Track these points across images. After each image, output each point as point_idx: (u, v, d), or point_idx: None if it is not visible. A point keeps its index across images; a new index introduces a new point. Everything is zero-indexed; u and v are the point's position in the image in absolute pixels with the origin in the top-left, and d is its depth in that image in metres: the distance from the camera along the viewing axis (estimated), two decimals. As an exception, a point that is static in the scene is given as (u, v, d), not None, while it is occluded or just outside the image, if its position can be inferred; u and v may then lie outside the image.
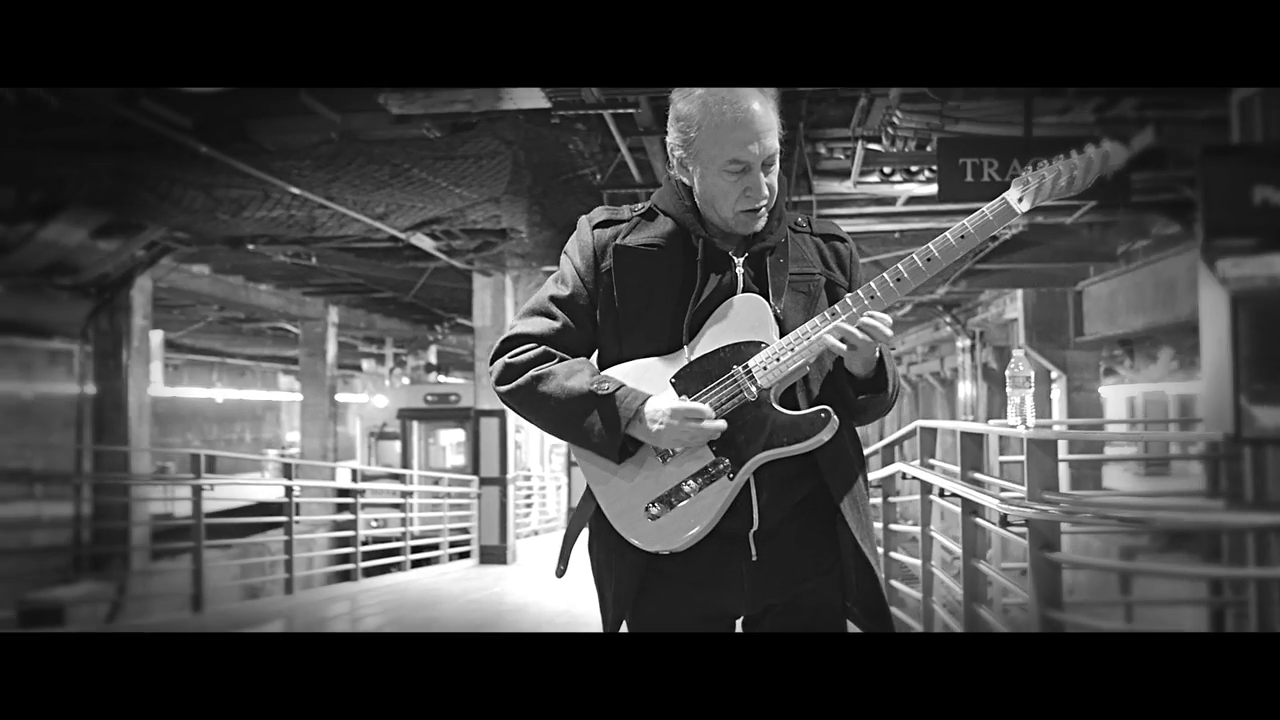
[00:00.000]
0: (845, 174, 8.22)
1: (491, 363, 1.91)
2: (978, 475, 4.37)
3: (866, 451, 1.99)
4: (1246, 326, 4.27)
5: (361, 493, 10.63)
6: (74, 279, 9.92)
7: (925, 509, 5.09)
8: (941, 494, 4.71)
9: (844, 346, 1.77)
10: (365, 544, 10.44)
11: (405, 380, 19.61)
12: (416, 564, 11.64)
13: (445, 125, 6.74)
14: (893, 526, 6.03)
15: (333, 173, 7.61)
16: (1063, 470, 10.82)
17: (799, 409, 1.83)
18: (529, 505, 16.35)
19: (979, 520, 4.24)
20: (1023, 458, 3.55)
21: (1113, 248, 10.61)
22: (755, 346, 1.83)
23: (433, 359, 20.62)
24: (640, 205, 1.98)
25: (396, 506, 12.12)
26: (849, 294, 1.83)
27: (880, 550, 6.03)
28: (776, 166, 1.87)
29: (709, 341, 1.84)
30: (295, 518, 9.02)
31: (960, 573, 4.34)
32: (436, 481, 13.57)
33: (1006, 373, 3.76)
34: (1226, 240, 4.36)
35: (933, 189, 7.62)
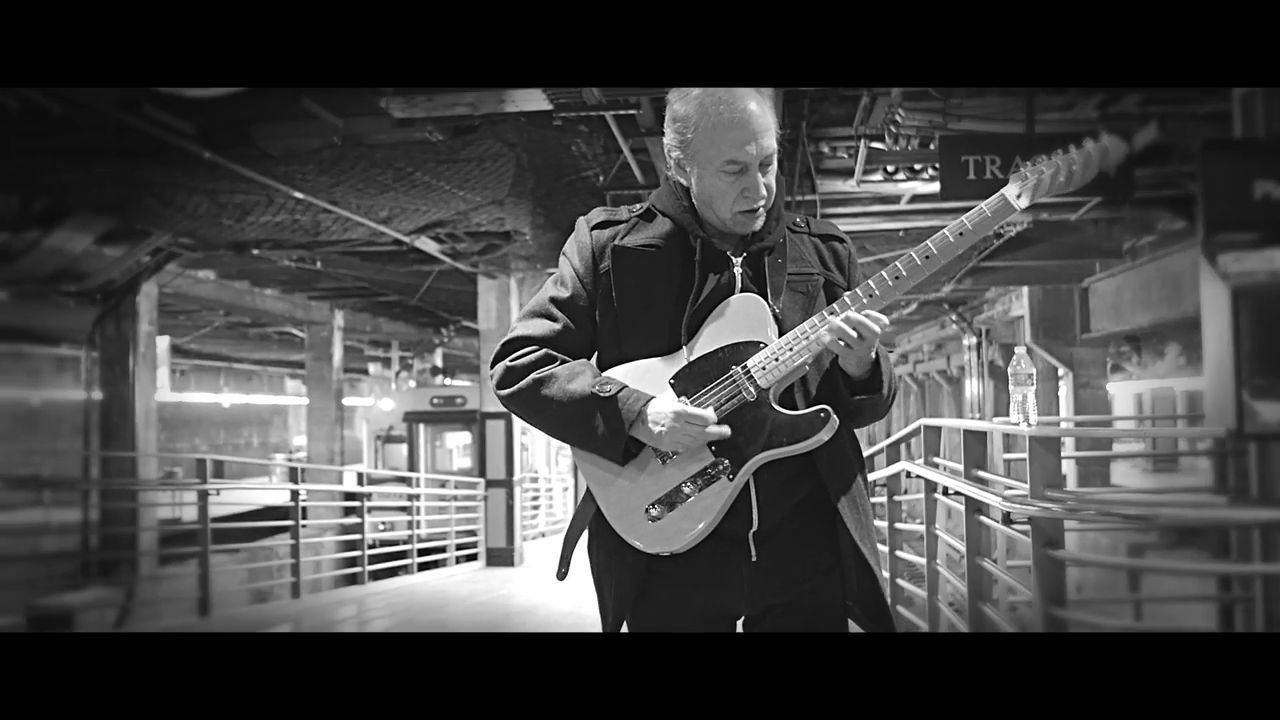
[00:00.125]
0: (849, 173, 8.20)
1: (492, 366, 1.91)
2: (981, 473, 4.36)
3: (872, 450, 2.00)
4: (1248, 322, 4.25)
5: (368, 496, 10.65)
6: (80, 285, 9.94)
7: (930, 507, 5.08)
8: (945, 492, 4.70)
9: (841, 344, 1.77)
10: (372, 547, 10.45)
11: (411, 383, 19.62)
12: (423, 567, 11.66)
13: (448, 128, 6.74)
14: (898, 525, 6.02)
15: (336, 177, 7.62)
16: (1070, 467, 10.78)
17: (797, 409, 1.82)
18: (536, 507, 16.36)
19: (983, 518, 4.23)
20: (1026, 455, 3.54)
21: (1118, 244, 10.57)
22: (754, 346, 1.82)
23: (439, 362, 20.64)
24: (638, 206, 1.98)
25: (403, 509, 12.12)
26: (847, 293, 1.83)
27: (885, 549, 6.04)
28: (774, 166, 1.87)
29: (708, 342, 1.84)
30: (302, 522, 9.03)
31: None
32: (443, 484, 13.59)
33: (1009, 370, 3.76)
34: (1227, 235, 4.34)
35: (936, 187, 7.60)
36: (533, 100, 6.12)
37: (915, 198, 8.66)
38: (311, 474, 12.29)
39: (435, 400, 17.11)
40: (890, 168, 8.06)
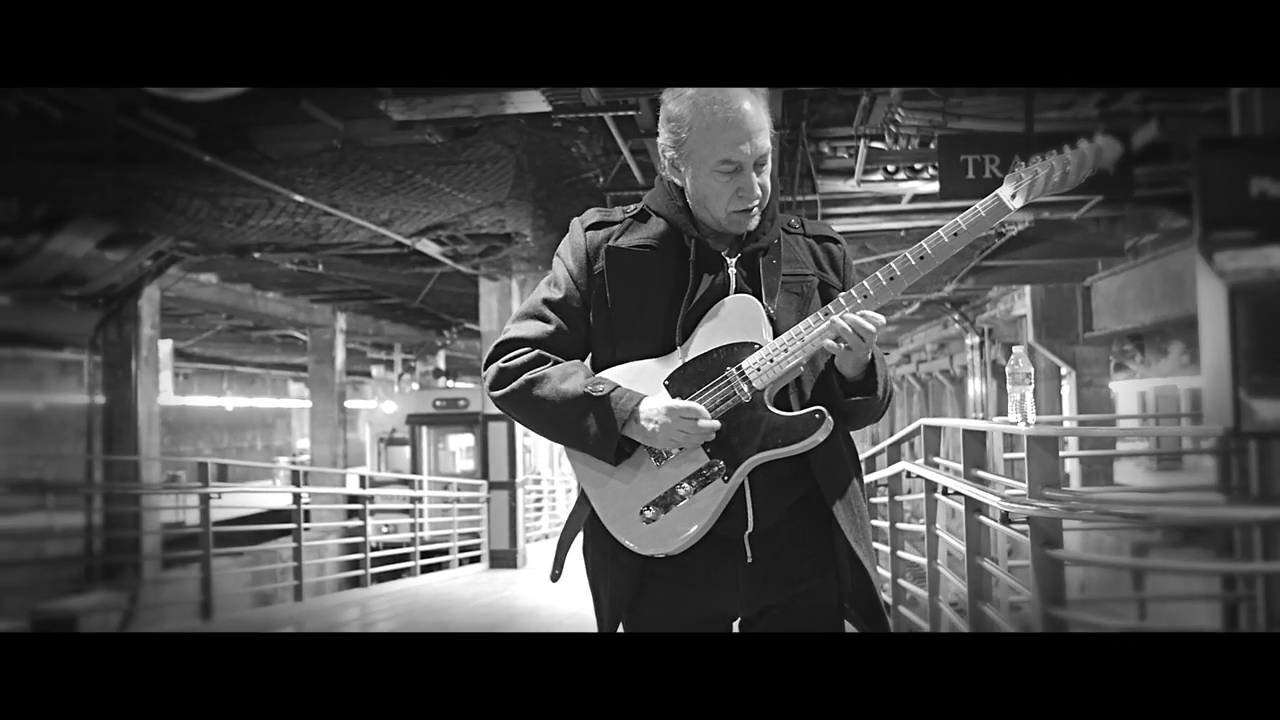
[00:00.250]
0: (849, 173, 8.20)
1: (485, 368, 1.91)
2: (981, 473, 4.36)
3: (874, 449, 2.00)
4: (1245, 319, 4.24)
5: (371, 499, 10.66)
6: (82, 290, 9.96)
7: (930, 507, 5.08)
8: (945, 492, 4.70)
9: (838, 345, 1.77)
10: (375, 550, 10.46)
11: (414, 386, 19.62)
12: (426, 569, 11.66)
13: (447, 131, 6.75)
14: (900, 525, 6.01)
15: (336, 180, 7.62)
16: (1074, 466, 10.75)
17: (792, 411, 1.82)
18: (539, 509, 16.36)
19: (983, 518, 4.23)
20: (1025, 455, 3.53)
21: (1120, 242, 10.56)
22: (748, 348, 1.82)
23: (441, 364, 20.64)
24: (633, 207, 1.98)
25: (406, 512, 12.13)
26: (842, 294, 1.83)
27: (888, 549, 6.03)
28: (769, 166, 1.86)
29: (702, 342, 1.84)
30: (305, 524, 9.04)
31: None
32: (446, 486, 13.60)
33: (1006, 369, 3.75)
34: (1224, 233, 4.33)
35: (936, 186, 7.60)
36: (532, 102, 6.12)
37: (916, 197, 8.66)
38: (314, 477, 12.30)
39: (438, 403, 17.12)
40: (891, 167, 8.06)
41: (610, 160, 7.96)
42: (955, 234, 1.82)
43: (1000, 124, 6.61)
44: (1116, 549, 8.32)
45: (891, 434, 7.06)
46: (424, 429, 17.12)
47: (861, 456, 2.08)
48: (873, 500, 6.80)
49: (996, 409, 15.59)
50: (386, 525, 12.85)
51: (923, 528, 5.15)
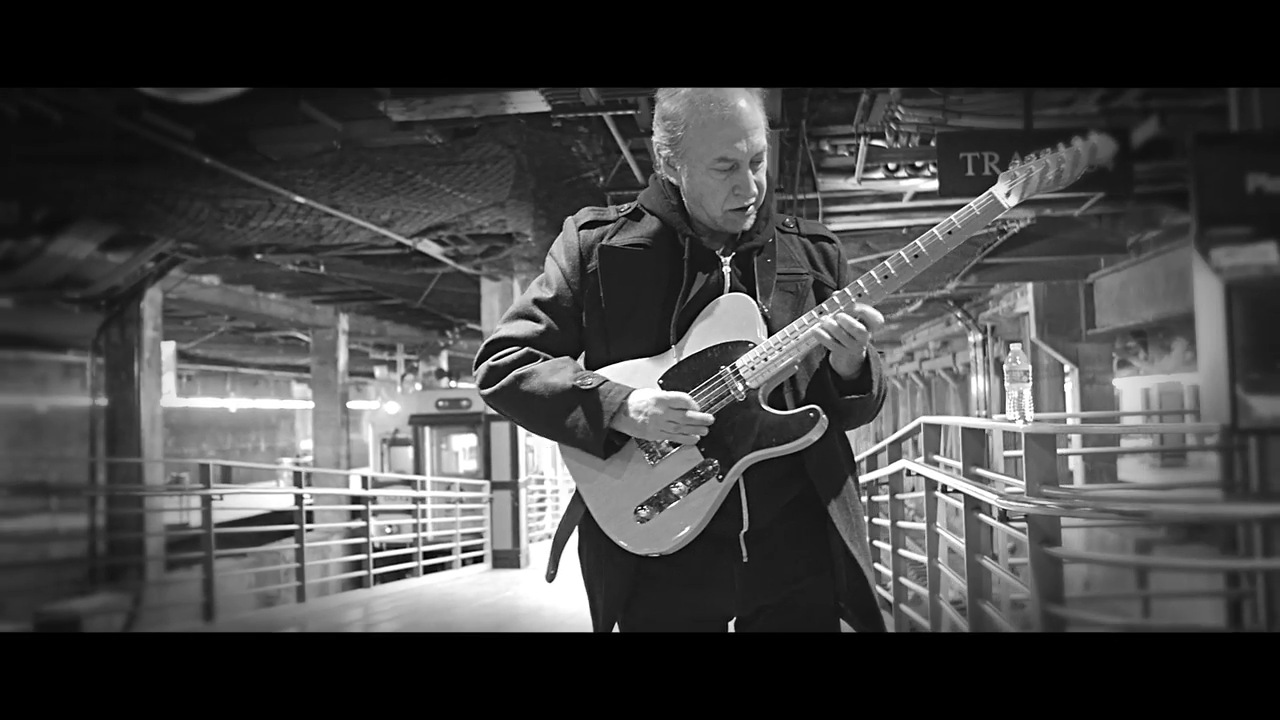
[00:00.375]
0: (849, 171, 8.19)
1: (476, 366, 1.91)
2: (981, 471, 4.35)
3: (876, 447, 2.00)
4: (1241, 316, 4.23)
5: (374, 499, 10.66)
6: (84, 292, 9.98)
7: (930, 505, 5.08)
8: (945, 490, 4.69)
9: (834, 343, 1.77)
10: (378, 550, 10.46)
11: (417, 386, 19.63)
12: (429, 569, 11.67)
13: (447, 131, 6.75)
14: (902, 523, 6.01)
15: (337, 181, 7.63)
16: (1077, 463, 10.71)
17: (787, 409, 1.82)
18: (542, 509, 16.36)
19: (983, 516, 4.23)
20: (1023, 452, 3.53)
21: (1122, 239, 10.54)
22: (743, 346, 1.82)
23: (444, 364, 20.65)
24: (626, 206, 1.97)
25: (409, 512, 12.14)
26: (836, 292, 1.82)
27: (889, 547, 6.03)
28: (764, 164, 1.86)
29: (696, 341, 1.84)
30: (308, 525, 9.05)
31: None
32: (449, 487, 13.60)
33: (1004, 367, 3.75)
34: (1220, 229, 4.32)
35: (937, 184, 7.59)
36: (531, 102, 6.11)
37: (917, 195, 8.64)
38: (317, 478, 12.31)
39: (440, 403, 17.13)
40: (891, 165, 8.04)
41: (610, 160, 7.96)
42: (949, 232, 1.81)
43: (1000, 121, 6.60)
44: (1121, 546, 8.30)
45: (895, 430, 7.06)
46: (427, 429, 17.13)
47: (863, 454, 2.08)
48: (874, 498, 6.79)
49: (999, 406, 15.57)
50: (389, 526, 12.86)
51: (924, 526, 5.15)
